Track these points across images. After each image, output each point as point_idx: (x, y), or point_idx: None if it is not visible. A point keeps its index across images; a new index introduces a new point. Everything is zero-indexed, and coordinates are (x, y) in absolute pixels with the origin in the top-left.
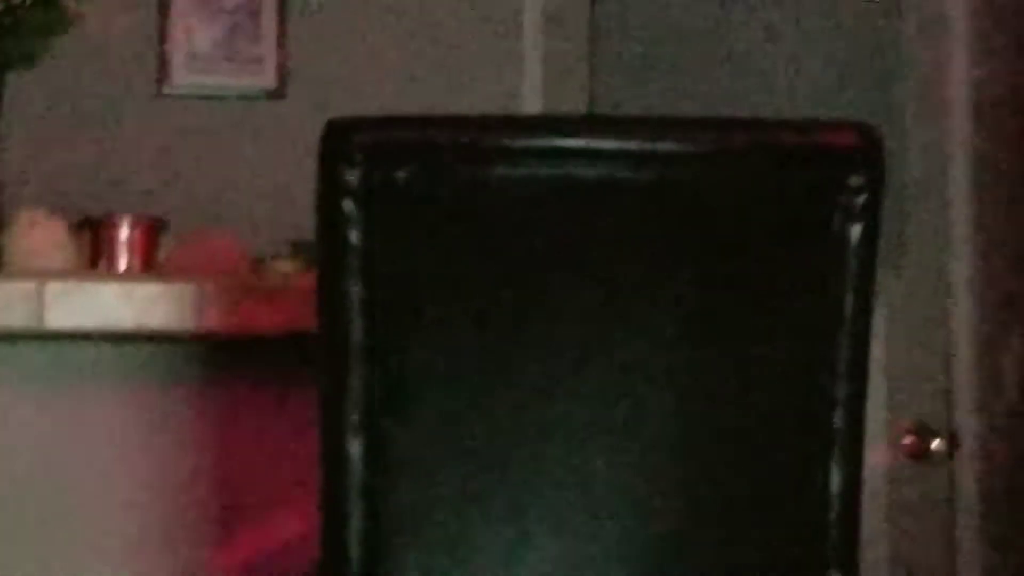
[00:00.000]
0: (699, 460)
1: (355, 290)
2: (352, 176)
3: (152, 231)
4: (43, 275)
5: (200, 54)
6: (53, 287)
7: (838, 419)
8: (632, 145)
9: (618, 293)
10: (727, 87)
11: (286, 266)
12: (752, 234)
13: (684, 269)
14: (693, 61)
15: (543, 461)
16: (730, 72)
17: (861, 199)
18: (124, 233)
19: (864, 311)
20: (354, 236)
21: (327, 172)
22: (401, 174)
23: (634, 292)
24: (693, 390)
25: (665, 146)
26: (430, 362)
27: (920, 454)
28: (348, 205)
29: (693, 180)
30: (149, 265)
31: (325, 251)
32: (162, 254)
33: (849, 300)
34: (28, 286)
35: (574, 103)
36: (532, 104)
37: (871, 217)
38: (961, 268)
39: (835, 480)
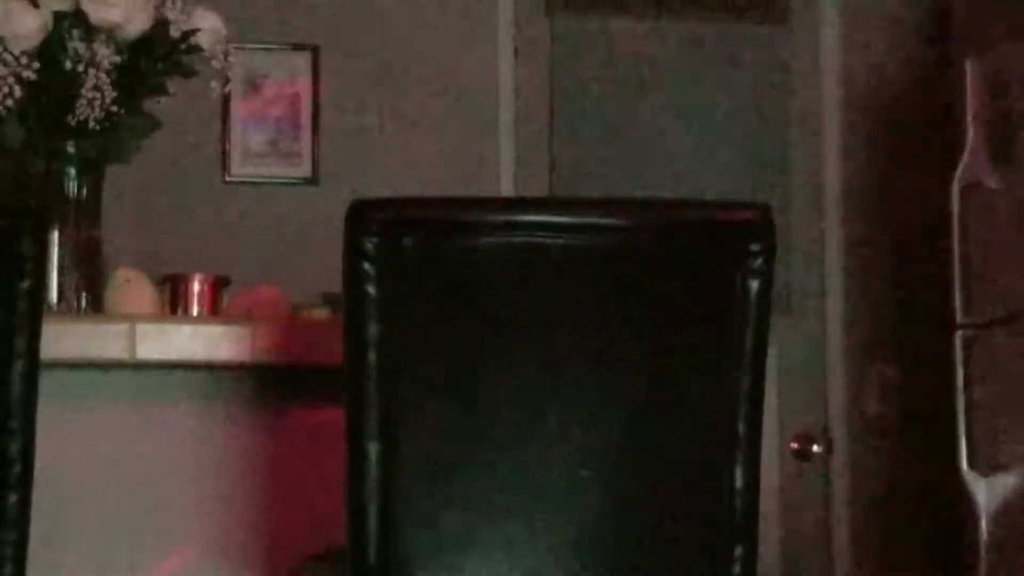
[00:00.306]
0: (634, 466)
1: (372, 330)
2: (370, 244)
3: (217, 285)
4: (134, 318)
5: (253, 151)
6: (142, 328)
7: (741, 430)
8: (585, 220)
9: (571, 334)
10: (658, 170)
11: (319, 313)
12: (676, 288)
13: (622, 316)
14: (632, 152)
15: (517, 464)
16: (661, 159)
17: (758, 261)
18: (196, 287)
19: (761, 346)
20: (372, 289)
21: (351, 240)
22: (408, 242)
23: (585, 333)
24: (630, 413)
25: (608, 221)
26: (429, 385)
27: (804, 456)
28: (367, 266)
29: (631, 247)
30: (215, 311)
31: (349, 300)
32: (225, 302)
33: (750, 338)
34: (123, 327)
35: (537, 188)
36: (506, 187)
37: (766, 275)
38: (834, 314)
39: (739, 477)
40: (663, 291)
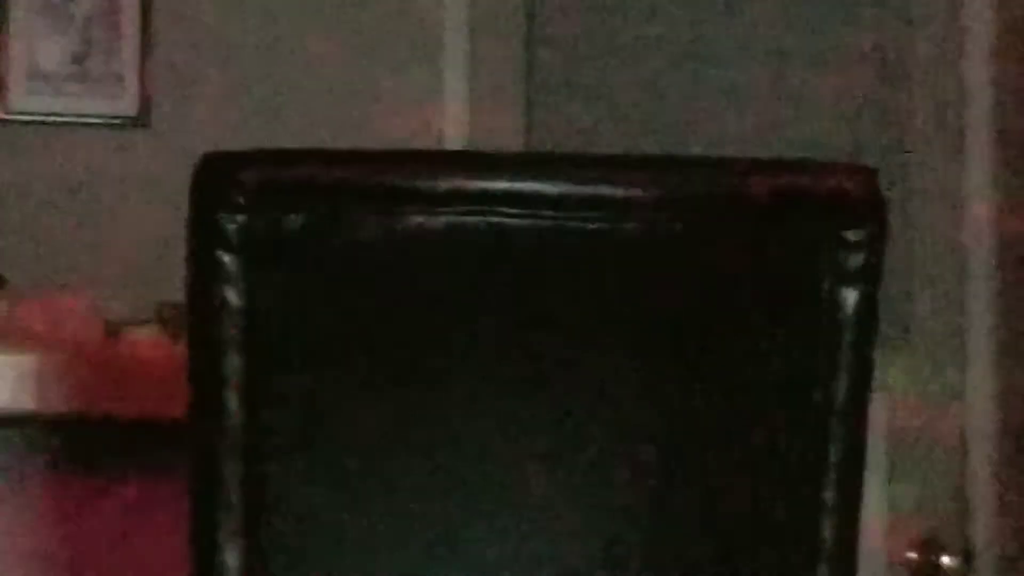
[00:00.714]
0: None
1: (234, 362)
2: (232, 223)
3: None
4: None
5: (46, 72)
6: None
7: (827, 529)
8: (577, 189)
9: (555, 367)
10: (690, 120)
11: (149, 333)
12: (719, 301)
13: (637, 339)
14: (650, 80)
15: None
16: (694, 107)
17: (858, 259)
18: None
19: (859, 396)
20: (233, 296)
21: (201, 217)
22: (292, 221)
23: (579, 365)
24: (649, 496)
25: (621, 191)
26: (324, 452)
27: (927, 572)
28: (227, 258)
29: (654, 231)
30: None
31: (198, 314)
32: None
33: (842, 382)
34: None
35: (506, 136)
36: (455, 138)
37: (870, 281)
38: (979, 353)
39: None
40: (698, 304)
